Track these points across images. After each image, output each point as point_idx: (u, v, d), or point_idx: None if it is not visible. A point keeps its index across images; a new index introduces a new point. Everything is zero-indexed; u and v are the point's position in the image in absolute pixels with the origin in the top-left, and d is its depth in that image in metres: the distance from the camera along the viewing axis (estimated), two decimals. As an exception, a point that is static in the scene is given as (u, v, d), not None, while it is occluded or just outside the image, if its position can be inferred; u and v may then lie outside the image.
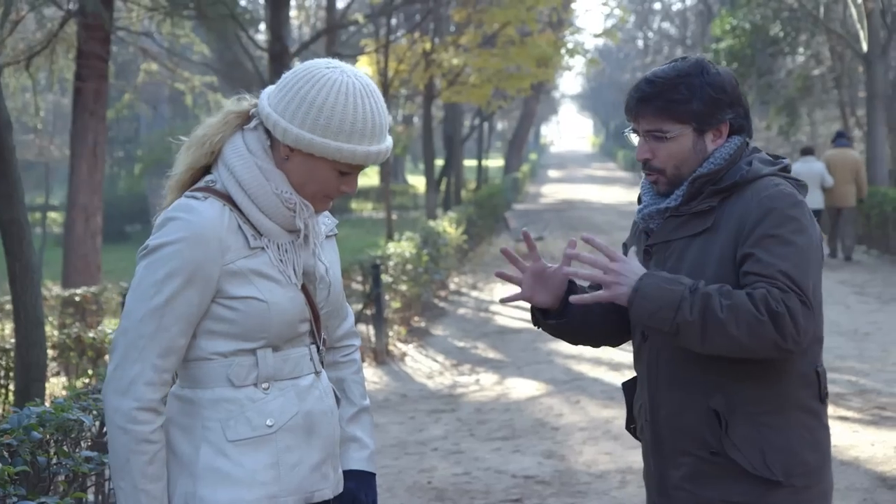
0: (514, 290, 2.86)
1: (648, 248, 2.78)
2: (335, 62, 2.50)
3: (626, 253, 2.93)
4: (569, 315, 2.84)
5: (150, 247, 2.42)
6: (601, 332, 2.95)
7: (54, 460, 3.62)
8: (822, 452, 2.68)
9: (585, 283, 2.90)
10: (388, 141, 2.51)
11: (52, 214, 37.70)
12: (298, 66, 2.51)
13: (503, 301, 2.91)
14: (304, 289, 2.54)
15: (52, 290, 13.14)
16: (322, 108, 2.41)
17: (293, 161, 2.47)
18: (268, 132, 2.50)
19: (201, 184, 2.50)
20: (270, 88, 2.52)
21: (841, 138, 17.98)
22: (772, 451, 2.60)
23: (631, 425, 2.93)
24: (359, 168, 2.50)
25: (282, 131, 2.44)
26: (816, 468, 2.65)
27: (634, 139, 2.79)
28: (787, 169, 2.74)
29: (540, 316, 2.89)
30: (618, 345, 3.02)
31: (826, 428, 2.72)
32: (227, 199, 2.46)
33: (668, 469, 2.72)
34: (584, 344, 2.98)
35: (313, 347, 2.58)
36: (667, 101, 2.68)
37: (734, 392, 2.61)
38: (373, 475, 2.75)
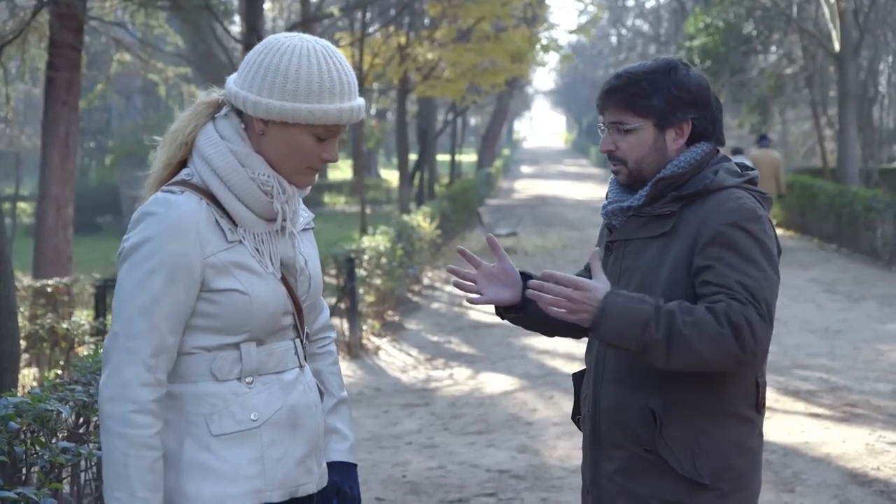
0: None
1: (609, 245, 2.82)
2: (293, 33, 2.51)
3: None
4: (529, 310, 2.90)
5: (129, 246, 2.40)
6: (563, 326, 2.98)
7: (31, 451, 3.60)
8: (751, 459, 2.73)
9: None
10: (360, 100, 2.49)
11: (22, 205, 37.39)
12: (258, 44, 2.51)
13: (472, 302, 2.93)
14: (285, 281, 2.52)
15: (23, 280, 13.01)
16: (287, 73, 2.41)
17: (269, 135, 2.46)
18: (240, 116, 2.49)
19: (178, 178, 2.48)
20: (235, 73, 2.52)
21: (764, 140, 19.27)
22: (702, 455, 2.65)
23: (577, 416, 2.99)
24: (335, 131, 2.47)
25: (252, 105, 2.43)
26: (744, 474, 2.71)
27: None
28: (753, 181, 2.77)
29: (501, 309, 2.96)
30: (580, 338, 3.04)
31: (759, 436, 2.77)
32: (204, 192, 2.44)
33: (602, 461, 2.78)
34: (546, 334, 3.06)
35: (297, 341, 2.56)
36: (627, 94, 2.73)
37: (673, 394, 2.65)
38: (355, 466, 2.76)
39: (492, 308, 3.02)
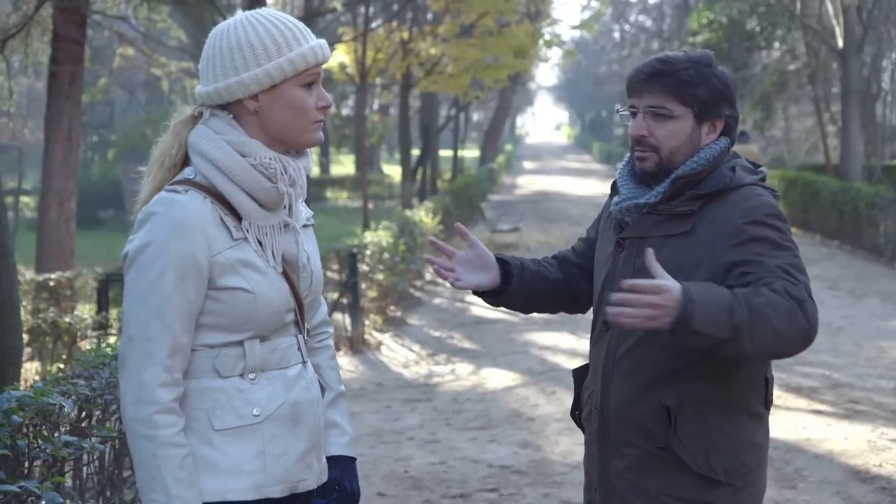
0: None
1: (621, 241, 2.78)
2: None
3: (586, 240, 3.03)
4: (507, 293, 2.95)
5: (134, 249, 2.39)
6: (543, 303, 3.08)
7: (33, 444, 3.60)
8: (760, 455, 2.73)
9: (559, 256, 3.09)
10: (320, 39, 2.55)
11: (25, 199, 37.43)
12: (205, 45, 2.55)
13: (456, 287, 2.95)
14: (287, 278, 2.52)
15: (26, 274, 13.02)
16: (250, 42, 2.44)
17: (265, 108, 2.47)
18: (224, 109, 2.49)
19: (180, 177, 2.47)
20: (199, 86, 2.54)
21: (743, 136, 19.40)
22: (716, 451, 2.64)
23: (576, 412, 2.96)
24: (316, 73, 2.50)
25: (236, 85, 2.44)
26: (753, 469, 2.71)
27: (629, 118, 2.76)
28: (765, 178, 2.76)
29: (478, 291, 2.98)
30: (554, 312, 3.16)
31: (767, 432, 2.77)
32: (208, 190, 2.44)
33: (611, 458, 2.75)
34: (523, 312, 3.12)
35: (300, 337, 2.56)
36: (677, 79, 2.68)
37: (686, 390, 2.64)
38: (354, 460, 2.75)
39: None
